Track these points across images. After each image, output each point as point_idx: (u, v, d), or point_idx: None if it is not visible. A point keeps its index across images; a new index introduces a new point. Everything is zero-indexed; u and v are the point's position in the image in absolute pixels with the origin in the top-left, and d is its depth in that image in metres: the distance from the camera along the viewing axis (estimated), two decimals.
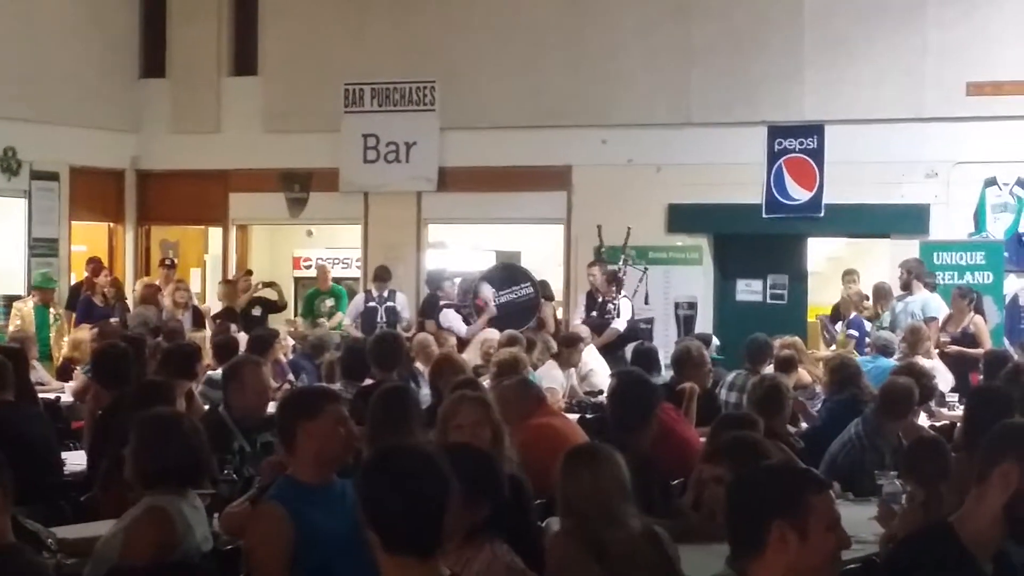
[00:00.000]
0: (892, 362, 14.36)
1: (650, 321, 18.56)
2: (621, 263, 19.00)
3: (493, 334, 15.81)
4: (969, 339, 16.42)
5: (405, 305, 19.30)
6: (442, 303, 18.71)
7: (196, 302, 20.75)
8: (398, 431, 7.19)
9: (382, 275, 19.37)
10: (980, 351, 15.75)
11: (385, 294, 19.16)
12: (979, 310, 16.88)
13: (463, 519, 5.27)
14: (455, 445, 6.13)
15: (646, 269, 19.38)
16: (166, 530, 6.12)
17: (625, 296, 18.20)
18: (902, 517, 7.22)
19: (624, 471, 6.13)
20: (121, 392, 9.59)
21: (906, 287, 17.28)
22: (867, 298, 18.22)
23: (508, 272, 19.18)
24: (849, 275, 18.87)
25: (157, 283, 20.41)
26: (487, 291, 18.53)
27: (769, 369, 13.60)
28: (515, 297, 18.35)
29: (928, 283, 17.35)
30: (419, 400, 7.86)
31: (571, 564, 5.90)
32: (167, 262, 21.57)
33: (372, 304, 19.08)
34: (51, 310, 18.33)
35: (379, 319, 18.75)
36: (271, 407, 9.19)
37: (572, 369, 14.82)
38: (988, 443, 5.28)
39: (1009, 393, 9.18)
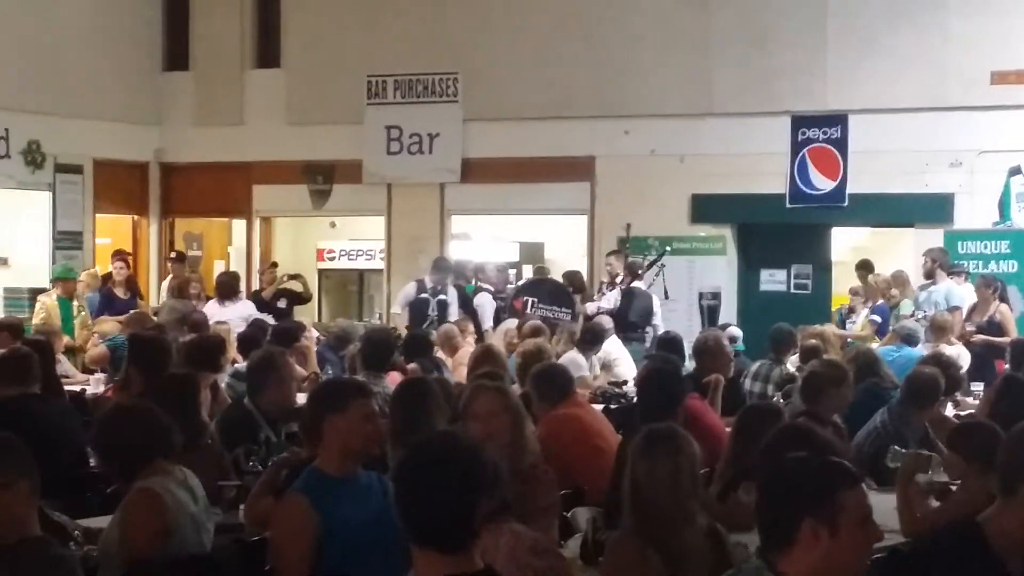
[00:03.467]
0: (917, 351, 14.34)
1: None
2: (630, 256, 18.95)
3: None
4: (995, 328, 16.38)
5: (455, 299, 18.96)
6: (479, 283, 18.67)
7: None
8: (418, 424, 7.19)
9: (443, 266, 19.05)
10: (1006, 340, 15.73)
11: (439, 287, 18.84)
12: (1004, 299, 16.85)
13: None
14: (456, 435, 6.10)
15: (663, 266, 19.06)
16: (159, 510, 6.18)
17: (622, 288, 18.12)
18: (955, 499, 7.26)
19: (698, 463, 5.96)
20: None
21: (930, 275, 17.27)
22: (891, 285, 18.24)
23: (556, 293, 18.92)
24: (863, 267, 18.92)
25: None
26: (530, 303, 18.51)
27: (794, 358, 13.63)
28: (550, 316, 18.10)
29: (957, 272, 17.34)
30: (439, 392, 7.81)
31: (637, 567, 5.71)
32: (171, 255, 21.57)
33: (424, 296, 18.69)
34: (74, 302, 18.33)
35: (431, 311, 18.37)
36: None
37: (595, 357, 14.82)
38: (1014, 455, 5.27)
39: None
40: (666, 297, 18.57)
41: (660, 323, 17.77)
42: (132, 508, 6.24)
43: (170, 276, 20.69)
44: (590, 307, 17.85)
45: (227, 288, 18.66)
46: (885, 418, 9.62)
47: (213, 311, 17.73)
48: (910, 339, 14.96)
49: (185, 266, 21.23)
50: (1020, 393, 8.99)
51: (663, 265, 19.07)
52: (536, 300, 18.50)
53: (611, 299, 18.01)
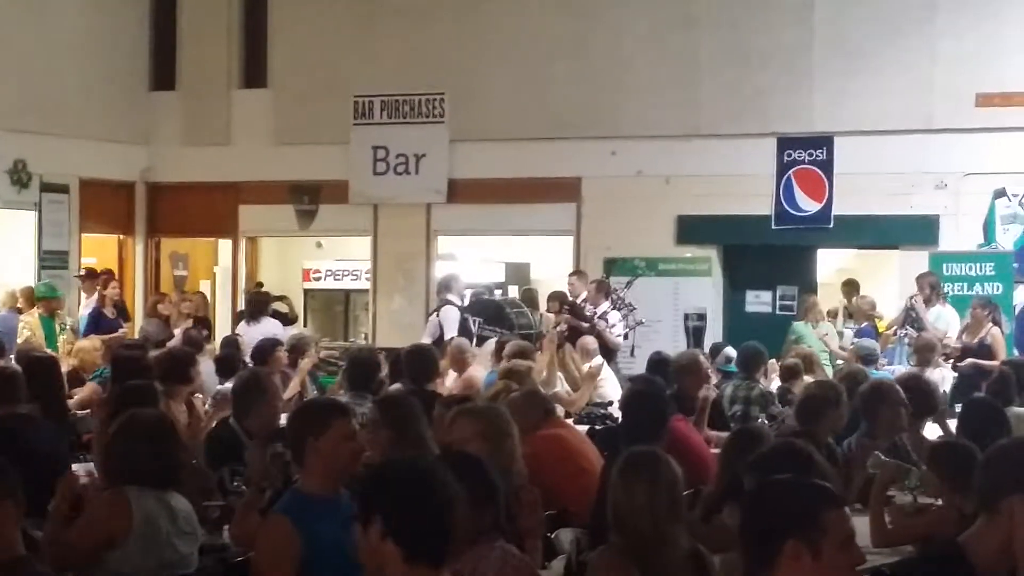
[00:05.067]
0: (880, 372, 14.30)
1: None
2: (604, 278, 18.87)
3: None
4: (985, 350, 16.38)
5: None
6: (447, 296, 18.61)
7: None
8: (408, 439, 7.20)
9: (452, 277, 19.07)
10: (995, 363, 15.74)
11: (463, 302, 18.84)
12: (997, 322, 16.86)
13: (471, 524, 5.29)
14: (457, 453, 6.14)
15: (630, 282, 18.94)
16: (119, 511, 6.37)
17: (615, 309, 18.05)
18: (928, 516, 7.28)
19: (680, 486, 6.07)
20: None
21: (928, 301, 17.21)
22: (874, 307, 18.30)
23: (498, 316, 18.76)
24: (848, 286, 19.02)
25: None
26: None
27: (773, 377, 13.65)
28: (490, 335, 17.99)
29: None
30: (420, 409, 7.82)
31: None
32: (81, 272, 21.03)
33: (466, 316, 18.65)
34: (57, 321, 18.32)
35: (473, 328, 18.37)
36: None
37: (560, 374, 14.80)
38: (994, 472, 5.28)
39: (1000, 405, 9.24)
40: (641, 323, 18.40)
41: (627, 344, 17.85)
42: (96, 505, 6.47)
43: (95, 295, 20.27)
44: (616, 336, 17.77)
45: (254, 307, 18.67)
46: (856, 441, 9.59)
47: (241, 330, 17.75)
48: (868, 359, 14.88)
49: (97, 284, 20.54)
50: (979, 412, 9.04)
51: (630, 282, 18.77)
52: (481, 320, 18.46)
53: (620, 326, 17.94)
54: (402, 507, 4.20)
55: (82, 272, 20.93)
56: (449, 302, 18.47)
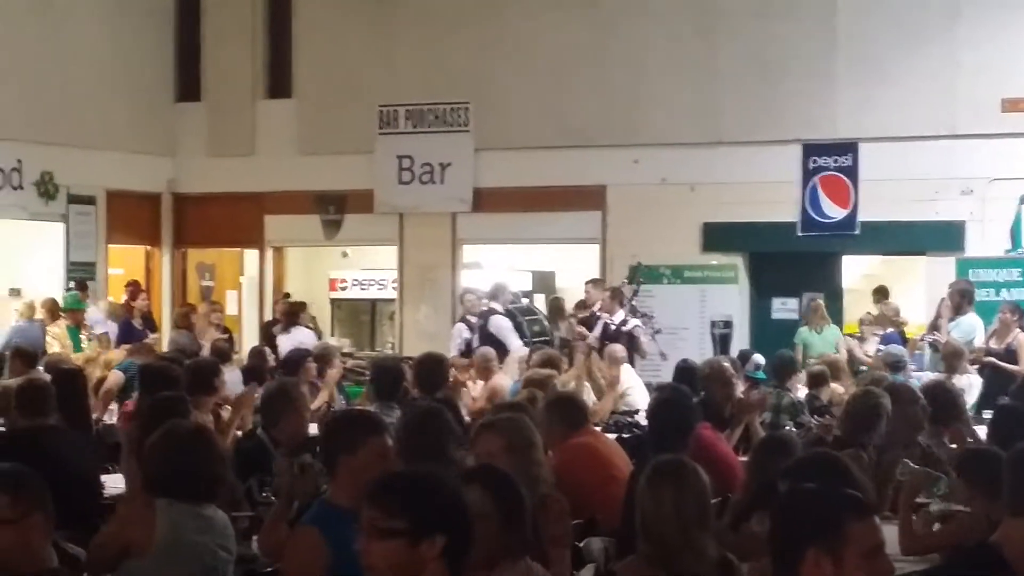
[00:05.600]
0: (904, 378, 14.26)
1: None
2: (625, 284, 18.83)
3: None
4: (1011, 356, 16.32)
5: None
6: (493, 306, 18.51)
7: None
8: (427, 452, 7.20)
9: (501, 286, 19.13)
10: (1016, 367, 15.69)
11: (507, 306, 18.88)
12: None
13: (499, 542, 5.29)
14: (489, 469, 6.11)
15: (636, 291, 18.80)
16: (141, 522, 6.33)
17: (633, 316, 18.04)
18: (957, 523, 7.26)
19: (708, 494, 6.06)
20: None
21: (958, 310, 17.13)
22: (898, 313, 18.28)
23: (517, 324, 18.75)
24: (879, 293, 18.99)
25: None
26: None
27: (800, 384, 13.63)
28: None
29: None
30: (451, 423, 7.78)
31: None
32: (70, 286, 20.82)
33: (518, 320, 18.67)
34: (83, 332, 18.38)
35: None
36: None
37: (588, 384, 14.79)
38: (1019, 476, 5.27)
39: None
40: (658, 331, 18.39)
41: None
42: (124, 512, 6.60)
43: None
44: (646, 344, 17.78)
45: (287, 316, 19.33)
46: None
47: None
48: (896, 366, 14.80)
49: (86, 295, 20.30)
50: (1008, 419, 9.03)
51: (636, 291, 18.78)
52: (510, 323, 18.45)
53: (645, 330, 17.93)
54: (466, 531, 4.27)
55: (71, 285, 20.94)
56: (494, 311, 18.39)
